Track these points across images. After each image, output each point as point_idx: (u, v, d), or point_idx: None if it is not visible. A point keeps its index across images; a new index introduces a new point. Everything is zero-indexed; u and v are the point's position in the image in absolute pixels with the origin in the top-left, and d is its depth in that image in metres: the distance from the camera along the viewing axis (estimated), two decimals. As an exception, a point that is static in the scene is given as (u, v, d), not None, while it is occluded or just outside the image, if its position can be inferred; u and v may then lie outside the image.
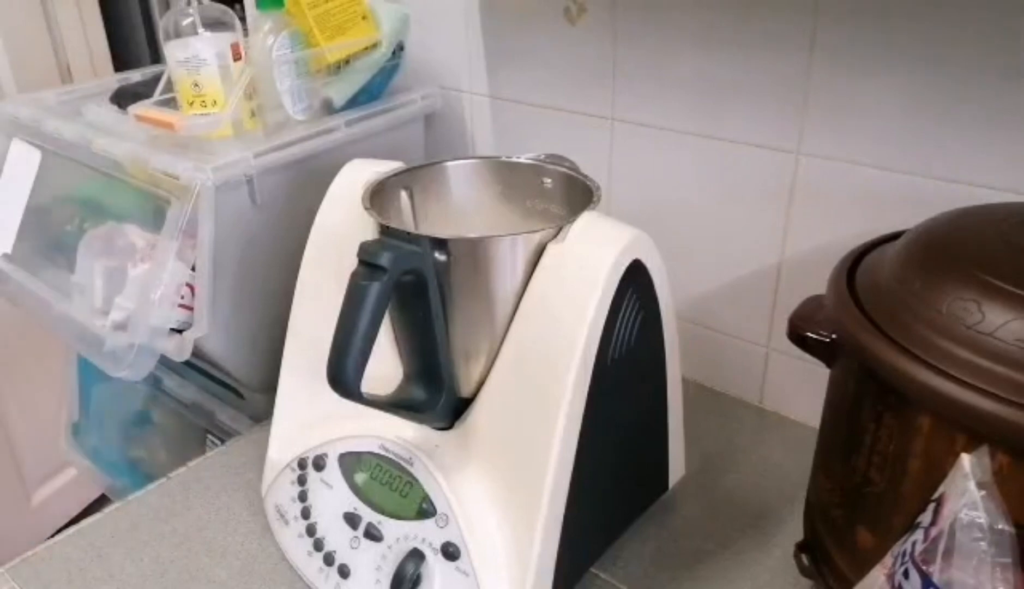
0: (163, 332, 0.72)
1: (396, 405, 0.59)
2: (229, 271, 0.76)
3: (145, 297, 0.72)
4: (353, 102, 0.85)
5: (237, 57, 0.78)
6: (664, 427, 0.66)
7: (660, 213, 0.83)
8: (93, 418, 1.14)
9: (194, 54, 0.76)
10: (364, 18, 0.83)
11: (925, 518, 0.42)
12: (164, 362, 0.79)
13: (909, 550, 0.42)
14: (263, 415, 0.82)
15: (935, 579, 0.40)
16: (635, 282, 0.56)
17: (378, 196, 0.62)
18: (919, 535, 0.42)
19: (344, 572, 0.60)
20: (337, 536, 0.61)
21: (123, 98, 0.88)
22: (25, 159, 0.88)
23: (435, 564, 0.56)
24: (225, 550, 0.68)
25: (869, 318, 0.48)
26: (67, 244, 0.82)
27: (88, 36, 1.50)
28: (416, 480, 0.58)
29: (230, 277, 0.76)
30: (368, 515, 0.60)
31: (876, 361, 0.47)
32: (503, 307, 0.56)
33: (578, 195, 0.61)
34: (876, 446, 0.49)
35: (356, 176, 0.65)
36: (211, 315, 0.74)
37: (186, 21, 0.75)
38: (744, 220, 0.78)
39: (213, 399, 0.93)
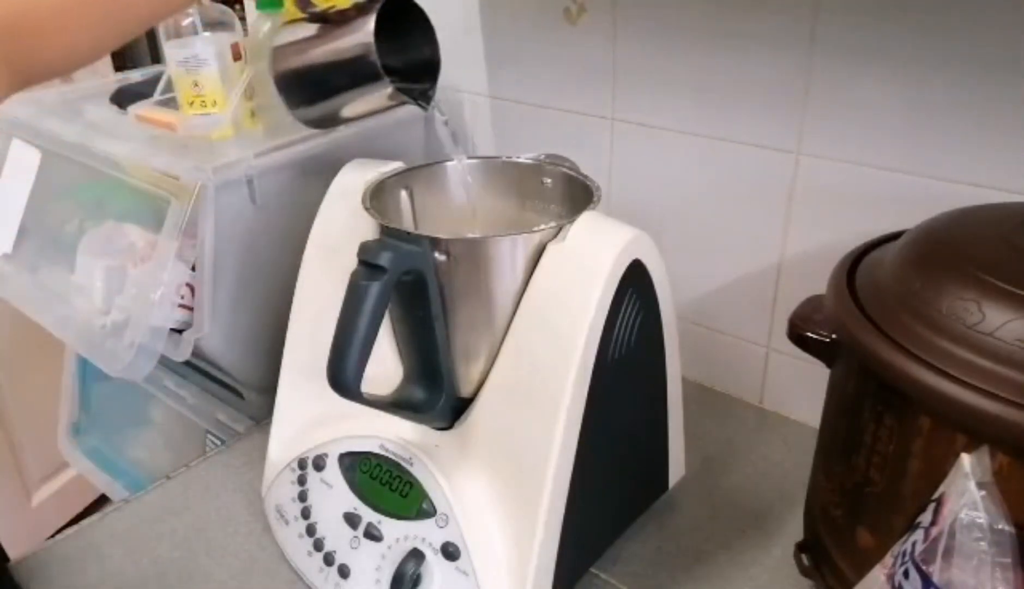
0: (163, 332, 0.72)
1: (396, 405, 0.59)
2: (229, 271, 0.76)
3: (145, 297, 0.72)
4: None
5: (237, 57, 0.78)
6: (664, 427, 0.66)
7: (660, 213, 0.83)
8: (93, 418, 1.14)
9: (194, 54, 0.76)
10: (364, 18, 0.83)
11: (925, 518, 0.42)
12: (164, 362, 0.79)
13: (909, 550, 0.42)
14: (263, 415, 0.82)
15: (935, 579, 0.40)
16: (635, 282, 0.56)
17: (378, 196, 0.62)
18: (919, 535, 0.42)
19: (344, 572, 0.60)
20: (337, 536, 0.61)
21: (123, 98, 0.88)
22: (25, 159, 0.88)
23: (435, 564, 0.56)
24: (225, 550, 0.68)
25: (869, 318, 0.48)
26: (67, 244, 0.82)
27: (88, 36, 1.50)
28: (416, 480, 0.58)
29: (230, 277, 0.76)
30: (368, 515, 0.60)
31: (876, 361, 0.47)
32: (503, 307, 0.56)
33: (578, 195, 0.61)
34: (876, 446, 0.49)
35: (356, 176, 0.65)
36: (211, 315, 0.74)
37: (186, 21, 0.75)
38: (744, 220, 0.78)
39: (213, 399, 0.93)
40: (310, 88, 0.65)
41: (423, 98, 0.64)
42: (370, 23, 0.59)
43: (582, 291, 0.53)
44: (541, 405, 0.54)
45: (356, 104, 0.64)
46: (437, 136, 0.64)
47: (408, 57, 0.65)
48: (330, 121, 0.69)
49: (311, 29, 0.63)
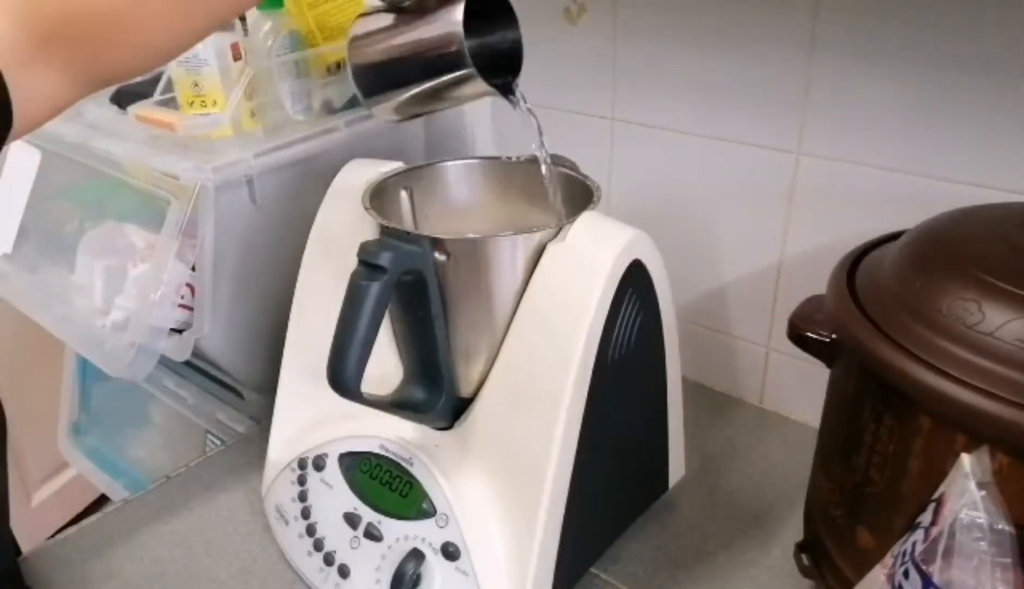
0: (163, 332, 0.72)
1: (396, 405, 0.59)
2: (229, 271, 0.76)
3: (145, 297, 0.72)
4: (353, 102, 0.85)
5: (237, 57, 0.78)
6: (664, 427, 0.66)
7: (660, 213, 0.83)
8: (93, 418, 1.14)
9: (194, 54, 0.75)
10: (364, 18, 0.83)
11: (925, 518, 0.42)
12: (164, 362, 0.79)
13: (909, 550, 0.42)
14: (263, 415, 0.82)
15: (935, 579, 0.40)
16: (635, 282, 0.56)
17: (378, 196, 0.62)
18: (919, 535, 0.42)
19: (344, 572, 0.60)
20: (337, 536, 0.61)
21: (123, 98, 0.88)
22: (25, 159, 0.88)
23: (435, 564, 0.56)
24: (225, 550, 0.68)
25: (869, 318, 0.48)
26: (67, 244, 0.82)
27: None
28: (416, 480, 0.58)
29: (230, 277, 0.76)
30: (368, 515, 0.60)
31: (876, 361, 0.47)
32: (503, 307, 0.56)
33: (578, 195, 0.61)
34: (876, 446, 0.49)
35: (356, 176, 0.65)
36: (211, 315, 0.74)
37: (186, 21, 0.75)
38: (744, 220, 0.78)
39: (213, 399, 0.93)
40: (389, 79, 0.62)
41: (508, 90, 0.61)
42: (458, 12, 0.56)
43: (582, 291, 0.53)
44: (541, 405, 0.54)
45: (438, 96, 0.61)
46: (516, 130, 0.61)
47: (488, 47, 0.63)
48: (407, 112, 0.65)
49: (389, 19, 0.61)
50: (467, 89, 0.59)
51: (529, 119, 0.60)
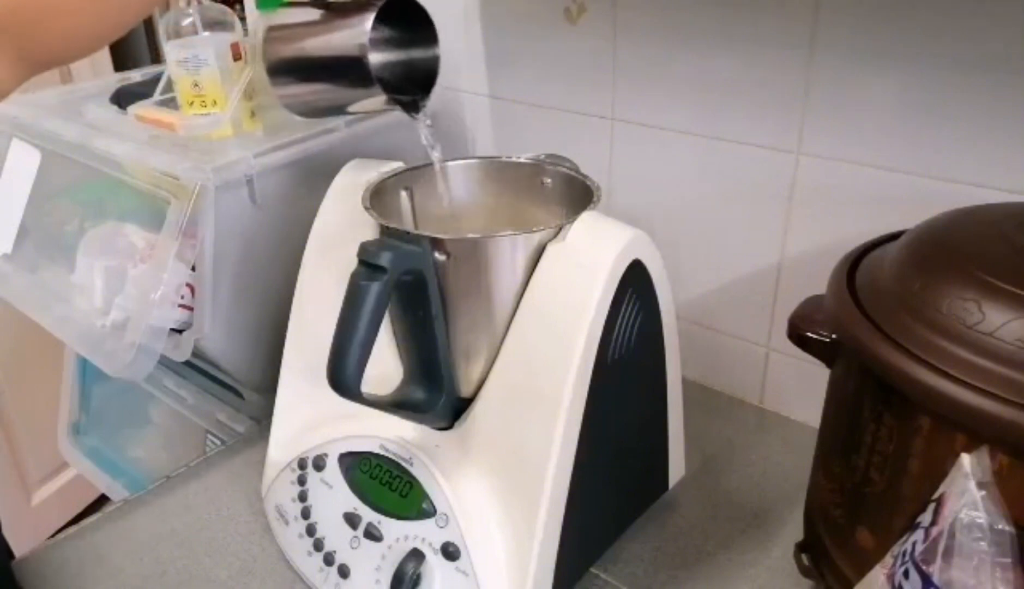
0: (163, 332, 0.72)
1: (396, 405, 0.59)
2: (229, 271, 0.76)
3: (145, 297, 0.72)
4: (353, 102, 0.85)
5: (237, 57, 0.78)
6: (664, 427, 0.66)
7: (660, 213, 0.83)
8: (93, 418, 1.14)
9: (194, 54, 0.76)
10: (364, 18, 0.83)
11: (925, 518, 0.42)
12: (164, 362, 0.79)
13: (909, 550, 0.42)
14: (263, 415, 0.82)
15: (935, 579, 0.40)
16: (635, 282, 0.56)
17: (378, 196, 0.62)
18: (919, 535, 0.42)
19: (344, 572, 0.60)
20: (337, 536, 0.61)
21: (123, 98, 0.88)
22: (25, 159, 0.88)
23: (435, 564, 0.56)
24: (225, 550, 0.68)
25: (869, 318, 0.48)
26: (67, 244, 0.82)
27: (88, 36, 1.50)
28: (416, 480, 0.58)
29: (230, 277, 0.76)
30: (368, 515, 0.60)
31: (876, 361, 0.47)
32: (503, 307, 0.56)
33: (578, 195, 0.61)
34: (876, 446, 0.49)
35: (356, 176, 0.65)
36: (211, 315, 0.74)
37: (186, 21, 0.75)
38: (744, 220, 0.78)
39: (213, 399, 0.93)
40: (298, 76, 0.64)
41: (413, 108, 0.63)
42: (367, 22, 0.57)
43: (582, 291, 0.53)
44: (541, 405, 0.54)
45: (342, 102, 0.63)
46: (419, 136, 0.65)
47: (407, 61, 0.64)
48: (314, 113, 0.68)
49: (310, 14, 0.62)
50: (368, 100, 0.61)
51: (427, 137, 0.64)
